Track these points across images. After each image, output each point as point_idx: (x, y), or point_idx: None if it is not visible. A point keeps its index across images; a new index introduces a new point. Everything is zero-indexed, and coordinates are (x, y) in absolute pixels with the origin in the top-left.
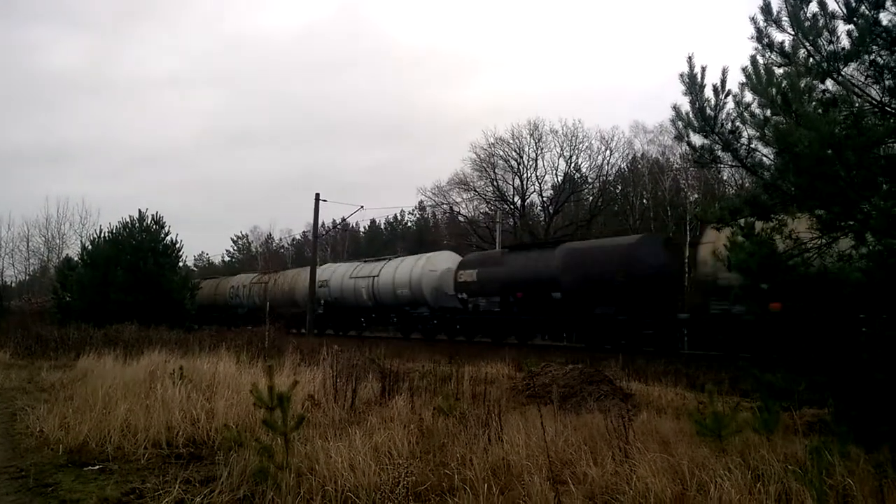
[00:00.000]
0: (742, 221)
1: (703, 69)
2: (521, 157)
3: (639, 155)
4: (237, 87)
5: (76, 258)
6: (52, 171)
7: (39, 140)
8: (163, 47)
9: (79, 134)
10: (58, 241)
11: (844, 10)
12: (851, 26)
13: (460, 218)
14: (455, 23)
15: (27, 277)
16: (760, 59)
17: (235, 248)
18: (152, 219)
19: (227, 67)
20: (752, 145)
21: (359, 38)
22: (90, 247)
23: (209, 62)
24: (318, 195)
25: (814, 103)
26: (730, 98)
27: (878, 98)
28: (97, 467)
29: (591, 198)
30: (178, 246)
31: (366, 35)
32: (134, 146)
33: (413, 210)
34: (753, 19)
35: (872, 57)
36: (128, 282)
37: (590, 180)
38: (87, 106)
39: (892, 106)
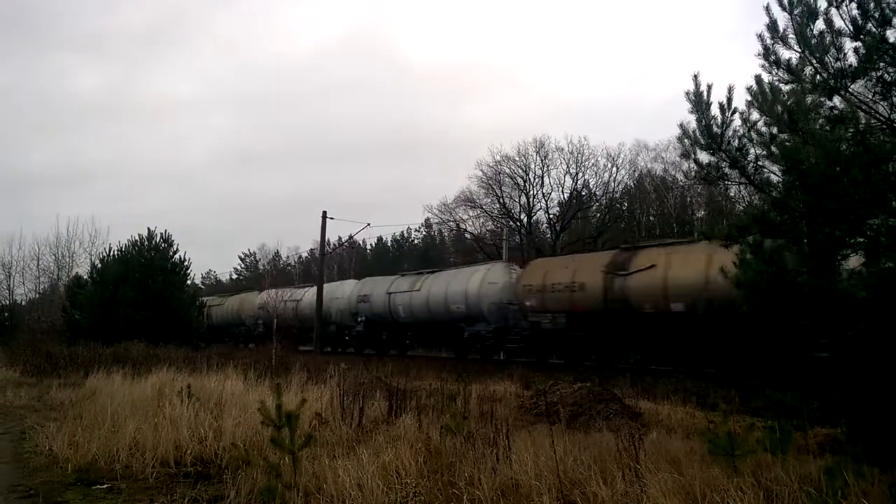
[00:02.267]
0: (750, 239)
1: (709, 87)
2: (528, 175)
3: (644, 172)
4: (250, 108)
5: (86, 276)
6: (65, 191)
7: (53, 161)
8: (179, 71)
9: (93, 156)
10: (68, 260)
11: (851, 28)
12: (858, 43)
13: (466, 235)
14: (463, 43)
15: (37, 296)
16: (767, 77)
17: (243, 265)
18: (161, 237)
19: (241, 90)
20: (760, 163)
21: (368, 59)
22: (100, 265)
23: (223, 85)
24: (325, 213)
25: (820, 120)
26: (736, 115)
27: (886, 115)
28: (105, 486)
29: (598, 215)
30: (186, 264)
31: (375, 57)
32: (147, 167)
33: (419, 227)
34: (760, 36)
35: (880, 74)
36: (136, 300)
37: (596, 197)
38: (103, 128)
39: None
